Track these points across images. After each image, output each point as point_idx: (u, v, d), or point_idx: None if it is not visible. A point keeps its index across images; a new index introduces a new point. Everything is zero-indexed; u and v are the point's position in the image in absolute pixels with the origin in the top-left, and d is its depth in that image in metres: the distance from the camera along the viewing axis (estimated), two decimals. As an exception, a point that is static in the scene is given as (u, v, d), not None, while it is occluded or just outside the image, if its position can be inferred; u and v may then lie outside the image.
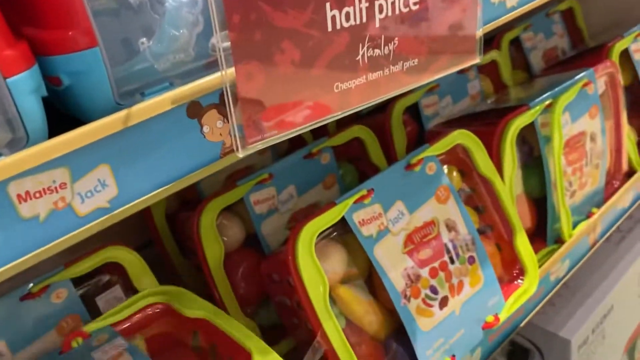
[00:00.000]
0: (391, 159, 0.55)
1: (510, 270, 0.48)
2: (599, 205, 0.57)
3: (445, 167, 0.46)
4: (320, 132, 0.58)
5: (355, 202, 0.39)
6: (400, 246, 0.40)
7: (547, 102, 0.50)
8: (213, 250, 0.45)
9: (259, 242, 0.48)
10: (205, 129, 0.25)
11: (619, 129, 0.59)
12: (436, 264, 0.42)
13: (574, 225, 0.54)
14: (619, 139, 0.59)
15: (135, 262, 0.42)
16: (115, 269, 0.42)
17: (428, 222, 0.42)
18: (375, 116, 0.59)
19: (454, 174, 0.47)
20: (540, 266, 0.50)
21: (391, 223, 0.41)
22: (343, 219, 0.39)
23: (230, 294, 0.46)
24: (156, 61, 0.24)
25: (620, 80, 0.58)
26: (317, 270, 0.37)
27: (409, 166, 0.43)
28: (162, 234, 0.54)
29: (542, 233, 0.54)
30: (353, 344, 0.39)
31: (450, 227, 0.43)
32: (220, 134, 0.25)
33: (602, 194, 0.58)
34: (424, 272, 0.41)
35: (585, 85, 0.53)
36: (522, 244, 0.48)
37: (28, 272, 0.40)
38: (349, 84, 0.28)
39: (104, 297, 0.43)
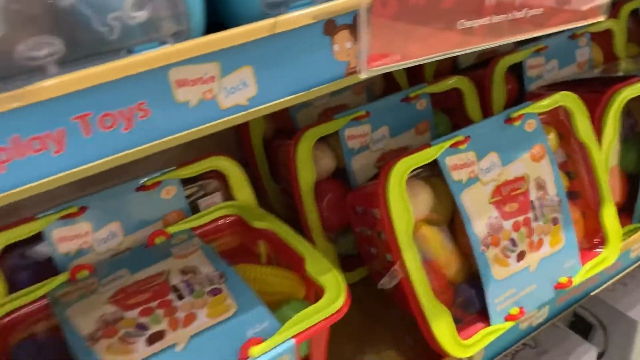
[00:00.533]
0: (487, 114, 0.55)
1: (591, 239, 0.48)
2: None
3: (544, 127, 0.46)
4: (417, 80, 0.59)
5: (450, 147, 0.41)
6: (487, 196, 0.42)
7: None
8: (306, 176, 0.48)
9: (347, 175, 0.51)
10: (336, 47, 0.27)
11: None
12: (520, 219, 0.43)
13: (665, 208, 0.53)
14: None
15: (238, 174, 0.46)
16: (220, 178, 0.46)
17: (519, 177, 0.43)
18: (477, 71, 0.59)
19: (552, 135, 0.47)
20: (622, 241, 0.49)
21: (482, 172, 0.42)
22: (433, 163, 0.41)
23: (316, 219, 0.49)
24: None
25: None
26: (404, 204, 0.39)
27: (509, 120, 0.43)
28: (257, 157, 0.58)
29: (630, 209, 0.53)
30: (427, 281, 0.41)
31: (540, 186, 0.44)
32: (348, 55, 0.27)
33: None
34: (507, 224, 0.42)
35: None
36: (609, 214, 0.47)
37: (142, 168, 0.44)
38: (473, 23, 0.29)
39: (205, 201, 0.47)
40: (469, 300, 0.43)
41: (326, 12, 0.25)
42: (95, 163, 0.22)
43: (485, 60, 0.61)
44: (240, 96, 0.25)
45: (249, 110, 0.25)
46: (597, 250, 0.48)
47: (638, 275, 0.65)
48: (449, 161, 0.41)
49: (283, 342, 0.31)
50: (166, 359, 0.31)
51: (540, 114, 0.45)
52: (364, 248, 0.48)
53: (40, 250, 0.41)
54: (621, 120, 0.50)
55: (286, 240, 0.39)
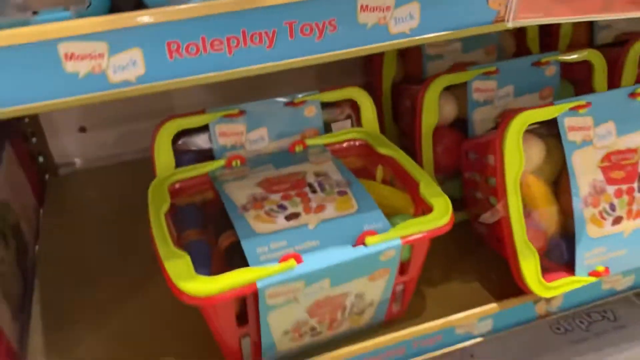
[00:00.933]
0: (613, 92, 0.57)
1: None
2: None
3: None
4: (550, 49, 0.62)
5: (570, 109, 0.44)
6: (597, 160, 0.45)
7: None
8: (429, 119, 0.54)
9: (467, 125, 0.56)
10: (490, -3, 0.32)
11: None
12: (624, 187, 0.46)
13: None
14: None
15: (370, 106, 0.52)
16: (353, 107, 0.53)
17: (631, 149, 0.46)
18: (612, 49, 0.60)
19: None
20: None
21: (597, 138, 0.45)
22: (551, 125, 0.45)
23: (430, 160, 0.55)
24: None
25: None
26: (519, 152, 0.43)
27: (633, 94, 0.46)
28: (384, 96, 0.64)
29: None
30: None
31: (650, 161, 0.46)
32: (499, 4, 0.32)
33: None
34: (610, 189, 0.46)
35: None
36: None
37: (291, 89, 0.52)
38: (616, -8, 0.32)
39: (336, 125, 0.54)
40: (559, 252, 0.47)
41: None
42: (294, 60, 0.29)
43: (622, 42, 0.62)
44: (405, 26, 0.31)
45: (413, 38, 0.31)
46: (696, 233, 0.49)
47: None
48: (567, 122, 0.44)
49: (392, 239, 0.38)
50: (299, 232, 0.38)
51: (667, 91, 0.47)
52: (469, 192, 0.53)
53: (203, 140, 0.50)
54: None
55: (405, 166, 0.46)
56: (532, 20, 0.32)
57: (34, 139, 0.69)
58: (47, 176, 0.70)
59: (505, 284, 0.48)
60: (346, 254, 0.37)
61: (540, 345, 0.61)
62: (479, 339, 0.48)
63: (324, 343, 0.43)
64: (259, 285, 0.35)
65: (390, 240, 0.38)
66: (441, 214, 0.40)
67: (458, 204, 0.57)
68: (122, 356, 0.45)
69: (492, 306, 0.46)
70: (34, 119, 0.67)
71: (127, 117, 0.71)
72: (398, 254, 0.39)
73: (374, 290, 0.41)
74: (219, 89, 0.71)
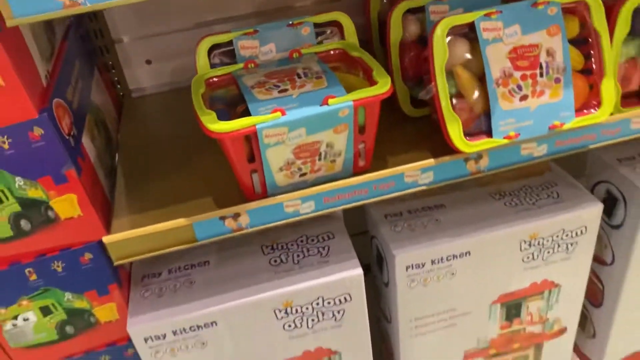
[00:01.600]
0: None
1: (593, 104, 0.66)
2: None
3: (567, 15, 0.64)
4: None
5: (485, 15, 0.61)
6: (505, 51, 0.62)
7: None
8: (395, 35, 0.72)
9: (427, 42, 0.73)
10: None
11: None
12: (528, 72, 0.63)
13: (675, 98, 0.67)
14: None
15: (350, 25, 0.71)
16: (339, 27, 0.72)
17: (534, 44, 0.62)
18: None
19: (573, 22, 0.64)
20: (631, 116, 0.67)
21: (505, 36, 0.62)
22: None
23: (397, 67, 0.73)
24: None
25: None
26: (443, 46, 0.61)
27: (535, 4, 0.62)
28: (372, 20, 0.82)
29: (643, 95, 0.69)
30: (454, 105, 0.64)
31: (550, 53, 0.63)
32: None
33: None
34: (517, 74, 0.63)
35: None
36: (607, 86, 0.65)
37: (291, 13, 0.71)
38: None
39: (326, 40, 0.73)
40: (483, 124, 0.65)
41: None
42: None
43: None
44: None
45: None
46: (593, 110, 0.66)
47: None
48: (482, 25, 0.61)
49: (347, 101, 0.57)
50: (285, 99, 0.58)
51: (564, 4, 0.63)
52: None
53: (231, 52, 0.71)
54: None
55: (368, 63, 0.64)
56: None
57: (113, 70, 0.92)
58: (122, 98, 0.94)
59: (442, 147, 0.66)
60: (315, 110, 0.57)
61: (492, 214, 0.79)
62: (422, 187, 0.66)
63: (310, 184, 0.64)
64: (257, 127, 0.55)
65: (345, 102, 0.57)
66: (382, 87, 0.59)
67: (424, 103, 0.75)
68: (182, 199, 0.66)
69: (430, 160, 0.65)
70: (113, 53, 0.90)
71: (182, 53, 0.92)
72: (352, 113, 0.58)
73: (340, 141, 0.60)
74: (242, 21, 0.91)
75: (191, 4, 0.89)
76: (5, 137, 0.56)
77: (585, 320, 1.01)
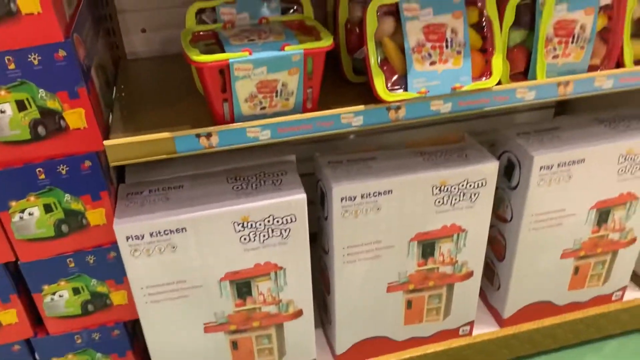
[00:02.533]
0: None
1: (487, 74, 0.87)
2: (575, 73, 0.91)
3: (468, 6, 0.85)
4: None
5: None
6: (420, 27, 0.83)
7: (550, -9, 0.85)
8: (342, 16, 0.92)
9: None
10: None
11: (616, 34, 0.90)
12: (437, 44, 0.84)
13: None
14: (615, 39, 0.90)
15: (309, 6, 0.91)
16: (299, 5, 0.92)
17: (442, 23, 0.84)
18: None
19: (474, 10, 0.86)
20: (516, 87, 0.88)
21: (421, 15, 0.83)
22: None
23: (344, 43, 0.93)
24: None
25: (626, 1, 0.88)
26: (373, 20, 0.81)
27: (444, -6, 0.83)
28: (328, 6, 1.02)
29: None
30: (381, 66, 0.84)
31: (454, 32, 0.84)
32: None
33: (585, 68, 0.91)
34: (428, 44, 0.83)
35: (586, -10, 0.86)
36: (497, 61, 0.86)
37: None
38: None
39: (290, 13, 0.93)
40: (403, 83, 0.85)
41: None
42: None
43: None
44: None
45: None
46: (485, 79, 0.87)
47: (547, 131, 1.02)
48: (404, 6, 0.82)
49: (298, 49, 0.77)
50: (254, 45, 0.78)
51: (466, -4, 0.84)
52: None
53: (213, 16, 0.90)
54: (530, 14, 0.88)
55: (318, 29, 0.84)
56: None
57: (114, 36, 1.10)
58: (120, 59, 1.12)
59: (375, 101, 0.86)
60: (274, 53, 0.76)
61: (412, 165, 0.99)
62: (354, 128, 0.86)
63: (269, 117, 0.82)
64: (230, 60, 0.75)
65: (297, 50, 0.77)
66: (326, 42, 0.79)
67: (364, 72, 0.96)
68: (167, 124, 0.84)
69: (361, 107, 0.84)
70: (115, 21, 1.09)
71: (172, 25, 1.11)
72: (302, 59, 0.78)
73: (293, 82, 0.80)
74: None
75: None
76: (36, 54, 0.74)
77: (492, 274, 1.21)
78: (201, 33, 0.86)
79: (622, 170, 1.05)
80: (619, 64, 0.93)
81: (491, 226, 1.16)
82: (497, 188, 1.12)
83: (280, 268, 0.96)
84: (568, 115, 1.20)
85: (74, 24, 0.80)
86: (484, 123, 1.43)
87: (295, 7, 0.93)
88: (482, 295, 1.28)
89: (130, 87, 1.00)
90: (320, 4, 1.06)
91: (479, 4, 0.86)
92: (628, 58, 0.92)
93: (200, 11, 0.89)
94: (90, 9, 0.96)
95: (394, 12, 0.84)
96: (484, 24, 0.87)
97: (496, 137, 1.10)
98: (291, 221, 0.91)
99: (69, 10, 0.81)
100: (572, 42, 0.89)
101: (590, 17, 0.88)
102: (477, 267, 1.10)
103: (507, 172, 1.07)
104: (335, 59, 0.95)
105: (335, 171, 0.97)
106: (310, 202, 0.91)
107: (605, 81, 0.92)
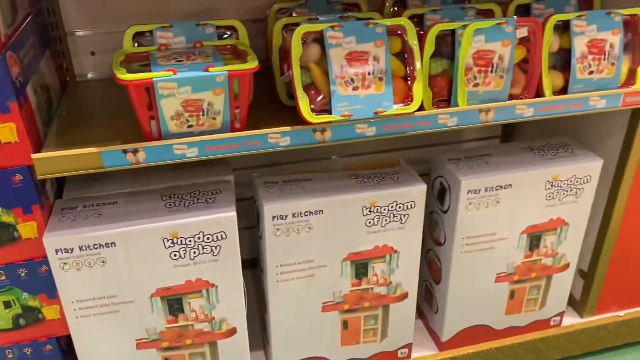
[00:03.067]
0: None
1: (409, 101, 0.92)
2: (496, 101, 0.95)
3: (391, 36, 0.90)
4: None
5: (330, 27, 0.87)
6: (344, 54, 0.87)
7: (467, 24, 0.90)
8: (276, 43, 0.96)
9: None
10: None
11: (534, 65, 0.95)
12: (359, 71, 0.88)
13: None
14: (534, 70, 0.96)
15: (244, 32, 0.96)
16: (235, 31, 0.97)
17: (364, 51, 0.88)
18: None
19: (396, 40, 0.91)
20: (438, 112, 0.92)
21: (344, 43, 0.87)
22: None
23: (277, 68, 0.98)
24: None
25: (543, 33, 0.94)
26: (298, 47, 0.86)
27: (367, 24, 0.88)
28: (268, 34, 1.07)
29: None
30: (308, 90, 0.88)
31: (376, 59, 0.89)
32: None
33: (505, 96, 0.96)
34: (352, 71, 0.88)
35: (502, 24, 0.91)
36: (417, 88, 0.90)
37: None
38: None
39: (225, 39, 0.98)
40: (328, 106, 0.89)
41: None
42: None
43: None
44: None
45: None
46: (406, 104, 0.91)
47: (478, 157, 1.06)
48: (328, 34, 0.87)
49: (222, 70, 0.81)
50: (180, 66, 0.81)
51: (389, 26, 0.89)
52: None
53: (148, 41, 0.94)
54: (450, 45, 0.93)
55: (248, 53, 0.89)
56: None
57: (63, 58, 1.14)
58: (68, 80, 1.15)
59: (302, 123, 0.89)
60: (198, 73, 0.80)
61: (344, 186, 1.02)
62: (282, 148, 0.89)
63: (196, 135, 0.86)
64: (154, 79, 0.78)
65: (221, 71, 0.81)
66: (250, 64, 0.83)
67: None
68: (98, 141, 0.87)
69: (287, 127, 0.88)
70: (65, 43, 1.12)
71: (120, 49, 1.15)
72: (226, 80, 0.81)
73: (218, 102, 0.83)
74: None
75: (133, 12, 1.13)
76: (-32, 70, 0.77)
77: (431, 297, 1.23)
78: (137, 54, 0.90)
79: (550, 196, 1.09)
80: (539, 93, 0.98)
81: (428, 249, 1.20)
82: (432, 212, 1.16)
83: (212, 285, 0.98)
84: (501, 144, 1.24)
85: (10, 42, 0.83)
86: (437, 151, 1.47)
87: (230, 33, 0.98)
88: (423, 318, 1.30)
89: (73, 106, 1.03)
90: (263, 31, 1.11)
91: (401, 34, 0.91)
92: (547, 88, 0.97)
93: (141, 34, 0.94)
94: (35, 31, 0.99)
95: (320, 39, 0.89)
96: (406, 53, 0.91)
97: (432, 163, 1.14)
98: (221, 238, 0.94)
99: (6, 30, 0.85)
100: (492, 72, 0.93)
101: (507, 48, 0.93)
102: (412, 288, 1.12)
103: (440, 196, 1.11)
104: (273, 83, 1.00)
105: (269, 191, 1.00)
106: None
107: (525, 109, 0.97)
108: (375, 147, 1.42)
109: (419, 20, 1.05)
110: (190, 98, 0.82)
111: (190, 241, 0.93)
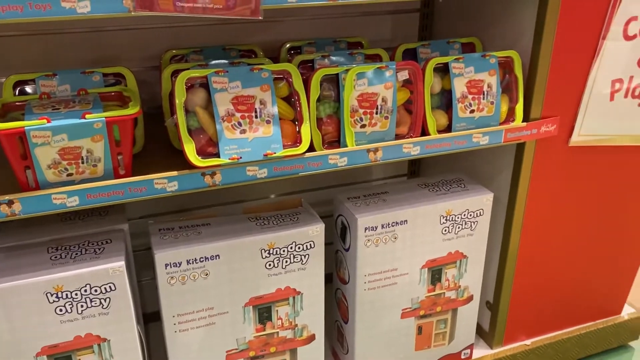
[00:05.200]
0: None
1: (298, 143, 0.93)
2: (383, 141, 0.99)
3: (277, 81, 0.92)
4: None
5: (214, 72, 0.88)
6: (229, 98, 0.88)
7: (349, 68, 0.94)
8: (165, 88, 0.97)
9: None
10: (129, 5, 0.76)
11: (418, 105, 1.00)
12: (246, 114, 0.89)
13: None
14: (418, 110, 1.00)
15: (132, 78, 0.96)
16: (122, 77, 0.96)
17: (251, 95, 0.90)
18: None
19: (282, 84, 0.93)
20: (328, 153, 0.94)
21: (229, 88, 0.89)
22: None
23: (168, 112, 0.97)
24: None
25: (423, 77, 0.99)
26: (182, 92, 0.86)
27: (252, 69, 0.90)
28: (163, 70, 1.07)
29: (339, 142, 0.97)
30: (194, 134, 0.88)
31: (262, 103, 0.90)
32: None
33: (392, 136, 0.99)
34: (238, 114, 0.89)
35: (382, 68, 0.95)
36: (305, 130, 0.92)
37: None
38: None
39: (112, 85, 0.97)
40: (217, 149, 0.89)
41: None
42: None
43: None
44: (89, 13, 0.74)
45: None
46: (296, 147, 0.93)
47: (375, 195, 1.08)
48: (213, 79, 0.88)
49: (99, 118, 0.79)
50: (55, 114, 0.80)
51: (275, 71, 0.91)
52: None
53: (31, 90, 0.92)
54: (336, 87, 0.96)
55: (132, 99, 0.88)
56: (150, 12, 0.76)
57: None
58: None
59: (181, 162, 0.89)
60: (74, 121, 0.79)
61: (243, 229, 1.01)
62: (169, 194, 0.88)
63: (77, 183, 0.83)
64: (26, 128, 0.76)
65: (99, 118, 0.80)
66: (131, 110, 0.82)
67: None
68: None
69: (174, 172, 0.87)
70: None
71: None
72: (104, 126, 0.80)
73: (98, 149, 0.82)
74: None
75: (28, 61, 1.10)
76: None
77: (342, 338, 1.22)
78: (16, 103, 0.87)
79: (445, 230, 1.13)
80: (425, 132, 1.02)
81: (337, 289, 1.20)
82: (337, 251, 1.16)
83: (104, 340, 0.93)
84: (399, 182, 1.28)
85: None
86: (352, 191, 1.49)
87: (118, 80, 0.97)
88: (337, 359, 1.28)
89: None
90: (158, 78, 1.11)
91: (288, 79, 0.93)
92: (431, 127, 1.02)
93: (25, 82, 0.91)
94: None
95: (206, 83, 0.89)
96: (293, 96, 0.94)
97: (333, 203, 1.15)
98: (111, 290, 0.90)
99: None
100: (377, 113, 0.97)
101: (390, 90, 0.97)
102: (318, 329, 1.11)
103: (342, 234, 1.12)
104: (166, 129, 0.99)
105: (162, 238, 0.98)
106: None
107: (412, 148, 1.01)
108: (289, 188, 1.43)
109: (311, 66, 1.08)
110: (68, 146, 0.80)
111: (76, 295, 0.89)
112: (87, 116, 0.79)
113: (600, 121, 1.15)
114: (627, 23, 1.07)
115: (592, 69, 1.09)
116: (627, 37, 1.09)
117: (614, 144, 1.20)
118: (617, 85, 1.13)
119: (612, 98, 1.14)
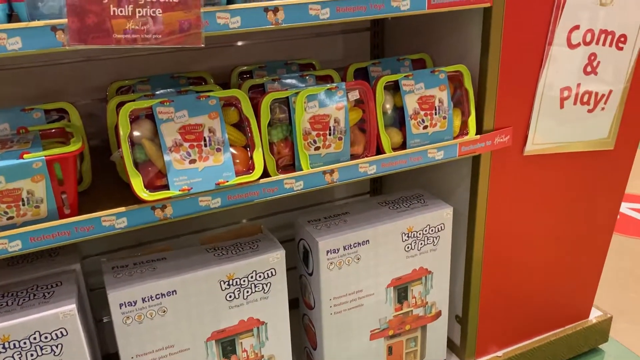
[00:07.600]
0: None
1: (252, 169, 0.91)
2: (339, 162, 0.97)
3: (226, 107, 0.90)
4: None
5: (160, 102, 0.86)
6: (176, 128, 0.86)
7: (299, 91, 0.93)
8: (111, 121, 0.94)
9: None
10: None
11: (371, 124, 0.99)
12: (195, 144, 0.87)
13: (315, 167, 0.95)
14: (372, 129, 0.99)
15: (75, 113, 0.92)
16: (65, 113, 0.93)
17: (198, 124, 0.87)
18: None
19: (232, 109, 0.91)
20: (283, 178, 0.92)
21: (176, 117, 0.86)
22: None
23: (115, 145, 0.94)
24: None
25: (374, 96, 0.98)
26: (126, 122, 0.83)
27: (199, 97, 0.88)
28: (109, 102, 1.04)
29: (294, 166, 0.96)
30: (143, 167, 0.85)
31: (211, 131, 0.88)
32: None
33: (347, 156, 0.98)
34: (186, 144, 0.86)
35: (333, 89, 0.94)
36: (257, 156, 0.90)
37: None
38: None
39: (55, 122, 0.93)
40: (160, 177, 0.86)
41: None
42: None
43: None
44: (20, 49, 0.71)
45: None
46: (249, 173, 0.90)
47: (336, 216, 1.06)
48: (158, 109, 0.85)
49: (38, 157, 0.76)
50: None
51: (223, 98, 0.89)
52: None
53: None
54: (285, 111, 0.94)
55: (75, 135, 0.85)
56: (85, 46, 0.73)
57: None
58: None
59: (132, 199, 0.86)
60: (11, 162, 0.75)
61: (199, 262, 0.98)
62: (119, 230, 0.85)
63: (19, 226, 0.79)
64: (-41, 173, 0.72)
65: (38, 157, 0.76)
66: (72, 147, 0.79)
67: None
68: None
69: (122, 208, 0.84)
70: None
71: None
72: (44, 165, 0.77)
73: (39, 189, 0.78)
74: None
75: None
76: None
77: (311, 365, 1.20)
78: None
79: (408, 247, 1.12)
80: (380, 150, 1.02)
81: (304, 314, 1.17)
82: (301, 276, 1.14)
83: (58, 389, 0.88)
84: (358, 201, 1.27)
85: None
86: (313, 213, 1.47)
87: (61, 116, 0.94)
88: (308, 388, 1.25)
89: None
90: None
91: (237, 105, 0.91)
92: (386, 145, 1.01)
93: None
94: None
95: (152, 114, 0.87)
96: (244, 122, 0.92)
97: (294, 227, 1.13)
98: (62, 335, 0.86)
99: None
100: (330, 134, 0.96)
101: (341, 111, 0.96)
102: (286, 358, 1.08)
103: (305, 259, 1.10)
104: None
105: (116, 276, 0.94)
106: (81, 312, 0.86)
107: (368, 167, 1.00)
108: (249, 214, 1.40)
109: (262, 90, 1.06)
110: (6, 188, 0.76)
111: (25, 344, 0.84)
112: (25, 156, 0.76)
113: (552, 129, 1.17)
114: (571, 31, 1.10)
115: (540, 76, 1.10)
116: (571, 46, 1.11)
117: (568, 151, 1.21)
118: (566, 93, 1.15)
119: (562, 105, 1.16)
